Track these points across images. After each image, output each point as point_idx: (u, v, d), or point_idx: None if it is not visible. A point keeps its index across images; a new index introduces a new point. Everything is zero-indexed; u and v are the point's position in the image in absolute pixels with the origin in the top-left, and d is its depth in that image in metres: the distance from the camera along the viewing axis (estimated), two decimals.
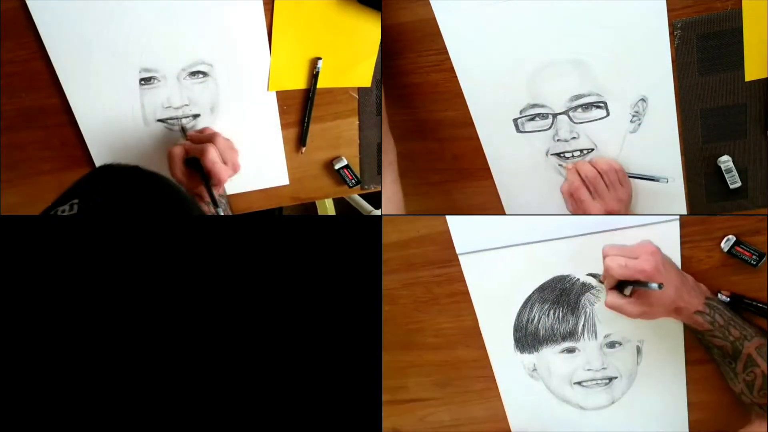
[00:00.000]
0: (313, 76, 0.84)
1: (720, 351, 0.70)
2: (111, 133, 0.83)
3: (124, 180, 0.59)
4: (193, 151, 0.77)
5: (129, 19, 0.76)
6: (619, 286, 0.69)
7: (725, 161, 0.82)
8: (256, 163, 0.90)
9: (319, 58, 0.84)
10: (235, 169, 0.83)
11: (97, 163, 0.85)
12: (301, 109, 0.88)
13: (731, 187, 0.83)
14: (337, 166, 0.93)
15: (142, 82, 0.80)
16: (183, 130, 0.84)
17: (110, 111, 0.81)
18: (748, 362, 0.69)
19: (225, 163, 0.80)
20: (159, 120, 0.83)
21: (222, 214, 0.81)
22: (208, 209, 0.80)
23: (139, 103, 0.82)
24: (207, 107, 0.85)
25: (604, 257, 0.69)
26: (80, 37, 0.76)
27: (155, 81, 0.81)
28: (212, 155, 0.77)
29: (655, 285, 0.64)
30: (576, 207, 0.83)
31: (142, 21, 0.76)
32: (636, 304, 0.68)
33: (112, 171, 0.59)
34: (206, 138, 0.79)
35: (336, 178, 0.96)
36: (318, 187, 0.97)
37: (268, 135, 0.89)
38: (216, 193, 0.79)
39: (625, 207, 0.82)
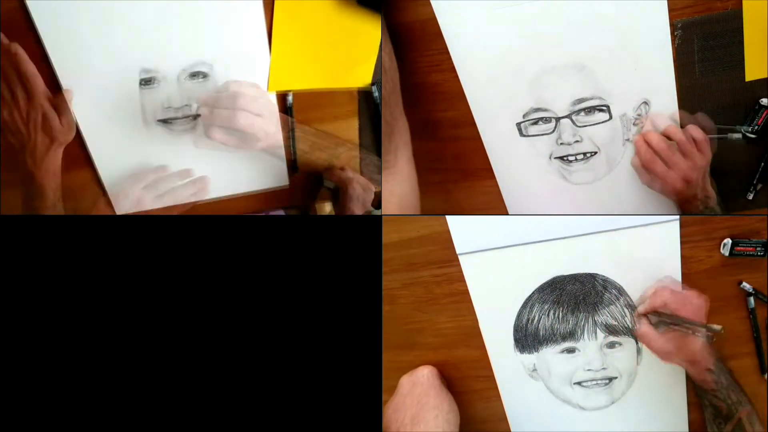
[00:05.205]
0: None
1: (714, 410, 0.75)
2: (111, 133, 0.83)
3: None
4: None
5: (129, 19, 0.76)
6: (656, 325, 0.74)
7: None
8: (257, 165, 0.90)
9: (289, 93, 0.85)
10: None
11: (97, 163, 0.84)
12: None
13: None
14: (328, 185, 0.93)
15: (142, 83, 0.80)
16: None
17: (110, 111, 0.81)
18: (738, 426, 0.73)
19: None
20: (159, 120, 0.83)
21: None
22: None
23: (139, 103, 0.82)
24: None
25: (656, 289, 0.75)
26: (80, 37, 0.75)
27: (155, 82, 0.81)
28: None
29: (718, 327, 0.70)
30: (650, 179, 0.81)
31: (142, 21, 0.76)
32: (665, 341, 0.73)
33: None
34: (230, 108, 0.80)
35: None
36: (318, 188, 0.96)
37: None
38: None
39: (702, 175, 0.80)
